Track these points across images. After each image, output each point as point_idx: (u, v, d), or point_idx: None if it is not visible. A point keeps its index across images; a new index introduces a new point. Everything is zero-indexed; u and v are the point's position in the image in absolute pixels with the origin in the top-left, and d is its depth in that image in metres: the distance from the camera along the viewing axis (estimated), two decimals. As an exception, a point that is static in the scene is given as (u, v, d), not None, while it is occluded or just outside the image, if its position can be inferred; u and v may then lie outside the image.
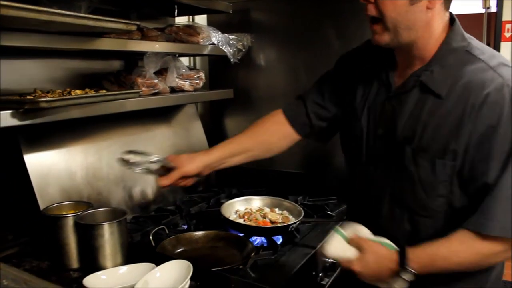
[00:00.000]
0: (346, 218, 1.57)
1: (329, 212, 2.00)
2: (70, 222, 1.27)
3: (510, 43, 4.19)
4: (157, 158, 1.39)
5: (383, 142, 1.31)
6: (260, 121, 1.63)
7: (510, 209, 1.11)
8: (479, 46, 1.23)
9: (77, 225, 1.30)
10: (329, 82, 1.56)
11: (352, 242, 1.25)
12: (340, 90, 1.50)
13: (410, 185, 1.25)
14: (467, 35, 1.25)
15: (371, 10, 1.20)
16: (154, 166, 1.40)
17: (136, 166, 1.38)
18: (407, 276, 1.18)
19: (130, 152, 1.39)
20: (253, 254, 1.45)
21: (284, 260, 1.56)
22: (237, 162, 1.58)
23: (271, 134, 1.61)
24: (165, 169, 1.41)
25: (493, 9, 5.64)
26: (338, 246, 1.25)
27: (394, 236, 1.28)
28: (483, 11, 4.52)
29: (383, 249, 1.23)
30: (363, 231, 1.29)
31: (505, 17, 5.66)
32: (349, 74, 1.47)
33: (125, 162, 1.39)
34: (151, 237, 1.49)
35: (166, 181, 1.42)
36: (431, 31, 1.20)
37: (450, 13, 1.25)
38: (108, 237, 1.27)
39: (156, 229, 1.55)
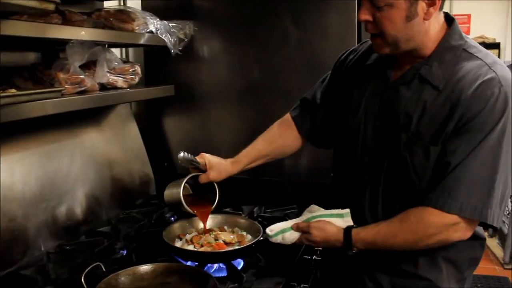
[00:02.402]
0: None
1: (292, 225, 1.75)
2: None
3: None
4: (196, 162, 1.54)
5: (380, 132, 1.36)
6: (276, 127, 1.71)
7: (472, 191, 1.19)
8: (475, 45, 1.31)
9: None
10: (328, 81, 1.61)
11: (297, 229, 1.41)
12: (338, 88, 1.54)
13: (403, 170, 1.30)
14: (464, 35, 1.31)
15: (371, 28, 1.27)
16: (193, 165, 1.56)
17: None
18: (351, 252, 1.33)
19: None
20: (217, 293, 1.16)
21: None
22: (253, 166, 1.68)
23: (286, 139, 1.69)
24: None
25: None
26: (280, 241, 1.41)
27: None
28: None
29: (329, 227, 1.37)
30: (314, 208, 1.46)
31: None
32: (347, 72, 1.51)
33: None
34: (82, 280, 1.16)
35: (201, 180, 1.56)
36: (429, 35, 1.27)
37: (447, 13, 1.33)
38: None
39: (89, 268, 1.21)
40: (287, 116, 1.69)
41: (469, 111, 1.19)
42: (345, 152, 1.48)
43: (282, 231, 1.40)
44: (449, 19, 1.32)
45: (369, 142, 1.39)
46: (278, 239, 1.41)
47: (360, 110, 1.41)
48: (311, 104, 1.63)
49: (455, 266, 1.36)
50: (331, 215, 1.39)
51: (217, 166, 1.57)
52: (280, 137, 1.68)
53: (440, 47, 1.28)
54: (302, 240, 1.41)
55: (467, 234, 1.26)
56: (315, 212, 1.44)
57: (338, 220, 1.37)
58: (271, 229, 1.43)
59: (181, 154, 1.50)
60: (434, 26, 1.28)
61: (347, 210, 1.39)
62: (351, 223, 1.37)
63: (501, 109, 1.19)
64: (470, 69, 1.24)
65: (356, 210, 1.41)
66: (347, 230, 1.34)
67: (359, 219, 1.39)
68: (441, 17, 1.31)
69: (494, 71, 1.22)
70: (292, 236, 1.40)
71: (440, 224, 1.23)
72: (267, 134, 1.69)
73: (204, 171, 1.56)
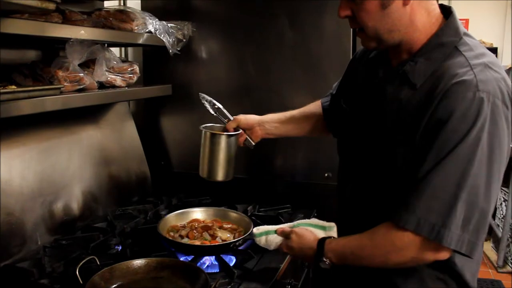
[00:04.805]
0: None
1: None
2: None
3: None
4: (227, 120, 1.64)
5: (365, 129, 1.29)
6: (308, 110, 1.69)
7: (431, 207, 1.06)
8: (470, 43, 1.15)
9: None
10: (344, 73, 1.54)
11: (281, 233, 1.39)
12: (351, 79, 1.47)
13: (375, 171, 1.24)
14: (463, 30, 1.17)
15: (353, 24, 1.20)
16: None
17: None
18: (323, 264, 1.24)
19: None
20: (208, 288, 1.19)
21: (243, 290, 1.33)
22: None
23: (314, 126, 1.68)
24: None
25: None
26: (263, 242, 1.42)
27: (358, 220, 1.29)
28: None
29: (308, 235, 1.33)
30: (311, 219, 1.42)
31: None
32: (357, 62, 1.45)
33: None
34: (77, 273, 1.18)
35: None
36: (415, 25, 1.16)
37: (449, 7, 1.20)
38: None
39: (84, 261, 1.24)
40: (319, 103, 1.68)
41: (438, 112, 1.07)
42: (340, 144, 1.46)
43: (267, 233, 1.41)
44: (448, 12, 1.19)
45: (357, 137, 1.33)
46: (262, 240, 1.41)
47: (354, 103, 1.36)
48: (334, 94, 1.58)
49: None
50: (315, 226, 1.36)
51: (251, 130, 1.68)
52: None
53: (429, 43, 1.16)
54: (283, 247, 1.38)
55: (441, 255, 1.10)
56: (305, 221, 1.41)
57: (320, 231, 1.34)
58: (258, 228, 1.44)
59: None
60: (421, 15, 1.15)
61: (332, 224, 1.36)
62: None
63: (473, 117, 1.04)
64: (450, 66, 1.10)
65: (339, 206, 1.39)
66: (321, 240, 1.26)
67: (343, 216, 1.37)
68: (433, 5, 1.17)
69: (474, 73, 1.06)
70: (275, 240, 1.39)
71: (407, 240, 1.09)
72: (307, 110, 1.70)
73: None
